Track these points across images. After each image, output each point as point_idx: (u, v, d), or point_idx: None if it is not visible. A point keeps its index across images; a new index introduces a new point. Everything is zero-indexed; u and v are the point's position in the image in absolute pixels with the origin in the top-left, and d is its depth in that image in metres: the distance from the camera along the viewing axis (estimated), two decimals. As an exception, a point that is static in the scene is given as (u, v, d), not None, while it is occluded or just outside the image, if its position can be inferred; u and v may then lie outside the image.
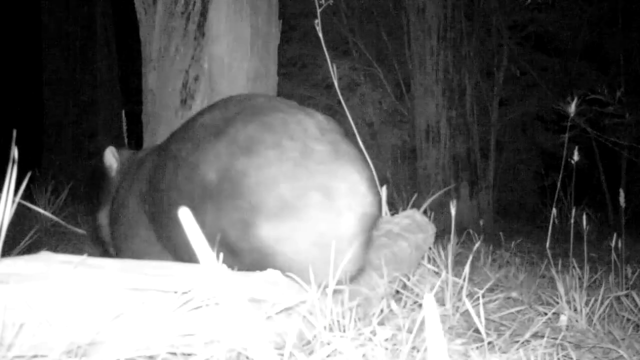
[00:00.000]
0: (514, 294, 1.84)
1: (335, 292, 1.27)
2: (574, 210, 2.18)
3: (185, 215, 0.42)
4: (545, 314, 1.62)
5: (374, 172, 2.19)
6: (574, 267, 1.83)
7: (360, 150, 1.54)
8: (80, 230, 2.42)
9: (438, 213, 2.43)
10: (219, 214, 1.37)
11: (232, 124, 1.45)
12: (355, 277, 1.38)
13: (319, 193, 1.33)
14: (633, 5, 5.82)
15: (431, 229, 1.90)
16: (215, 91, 2.58)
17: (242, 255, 1.34)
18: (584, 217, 2.05)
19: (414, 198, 2.27)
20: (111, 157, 1.91)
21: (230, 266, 1.33)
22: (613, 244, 2.00)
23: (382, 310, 1.37)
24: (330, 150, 1.39)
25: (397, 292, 1.58)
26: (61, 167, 5.56)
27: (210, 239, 1.38)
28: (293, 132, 1.39)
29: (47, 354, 0.95)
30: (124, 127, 2.77)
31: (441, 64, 5.16)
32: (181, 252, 1.47)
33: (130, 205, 1.71)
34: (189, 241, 0.45)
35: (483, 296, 1.46)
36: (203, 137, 1.49)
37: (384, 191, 2.02)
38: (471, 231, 2.74)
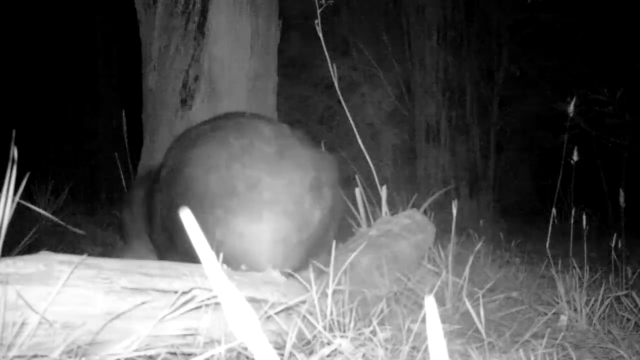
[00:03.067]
0: (514, 294, 1.84)
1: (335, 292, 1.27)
2: (573, 210, 2.18)
3: (186, 216, 0.42)
4: (545, 314, 1.62)
5: (374, 173, 2.20)
6: (574, 267, 1.83)
7: (326, 157, 1.51)
8: (80, 231, 2.42)
9: (438, 213, 2.43)
10: (162, 204, 1.41)
11: (197, 126, 1.52)
12: (288, 276, 1.34)
13: (245, 184, 1.31)
14: (633, 5, 5.82)
15: (431, 229, 1.90)
16: (215, 91, 2.58)
17: (177, 243, 1.34)
18: (584, 217, 2.05)
19: (414, 198, 2.27)
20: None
21: (168, 255, 1.35)
22: (613, 244, 2.00)
23: (382, 311, 1.37)
24: (275, 151, 1.38)
25: (397, 292, 1.58)
26: (61, 167, 5.56)
27: (159, 228, 1.41)
28: (244, 132, 1.39)
29: (47, 354, 0.95)
30: (124, 127, 2.77)
31: (441, 64, 5.16)
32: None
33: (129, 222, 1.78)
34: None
35: (483, 296, 1.46)
36: (175, 142, 1.57)
37: (384, 191, 2.02)
38: (471, 231, 2.74)
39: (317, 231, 1.42)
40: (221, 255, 1.30)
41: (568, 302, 1.66)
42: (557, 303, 1.68)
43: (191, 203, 1.32)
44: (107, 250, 2.53)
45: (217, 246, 1.31)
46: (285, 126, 1.50)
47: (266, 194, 1.32)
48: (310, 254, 1.41)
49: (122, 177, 2.82)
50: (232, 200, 1.31)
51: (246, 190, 1.31)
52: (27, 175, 1.15)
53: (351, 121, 2.29)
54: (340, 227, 2.21)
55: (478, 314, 1.27)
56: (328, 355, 1.11)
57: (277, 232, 1.33)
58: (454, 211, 1.84)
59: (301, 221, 1.36)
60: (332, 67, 2.21)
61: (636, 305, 1.69)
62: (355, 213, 2.02)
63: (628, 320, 1.67)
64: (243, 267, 1.31)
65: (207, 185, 1.32)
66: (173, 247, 1.38)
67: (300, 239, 1.37)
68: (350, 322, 1.23)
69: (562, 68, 6.24)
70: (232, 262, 1.32)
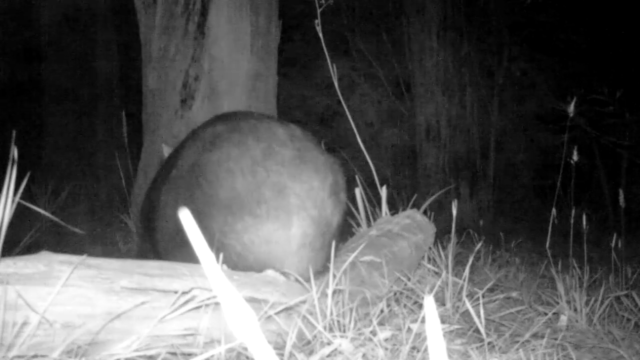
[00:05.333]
0: (514, 294, 1.84)
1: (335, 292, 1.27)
2: (573, 210, 2.18)
3: (185, 216, 0.42)
4: (545, 314, 1.62)
5: (374, 173, 2.20)
6: (574, 267, 1.83)
7: (336, 161, 1.53)
8: (80, 231, 2.42)
9: (438, 213, 2.43)
10: (177, 205, 1.41)
11: (205, 127, 1.52)
12: (308, 280, 1.35)
13: (272, 191, 1.34)
14: (633, 6, 5.82)
15: (431, 229, 1.90)
16: (215, 91, 2.58)
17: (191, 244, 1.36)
18: (584, 217, 2.04)
19: (414, 198, 2.27)
20: None
21: (173, 255, 1.36)
22: (613, 244, 2.00)
23: (382, 311, 1.37)
24: (295, 155, 1.40)
25: (397, 292, 1.58)
26: (61, 167, 5.56)
27: (171, 233, 1.42)
28: (260, 135, 1.42)
29: (47, 354, 0.95)
30: (124, 127, 2.77)
31: (441, 63, 5.16)
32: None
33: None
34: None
35: (483, 296, 1.46)
36: (186, 142, 1.58)
37: (384, 191, 2.02)
38: (471, 231, 2.74)
39: (335, 233, 1.44)
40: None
41: (568, 302, 1.66)
42: (557, 303, 1.68)
43: (216, 207, 1.33)
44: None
45: (243, 251, 1.32)
46: (294, 126, 1.52)
47: (293, 200, 1.35)
48: (329, 257, 1.43)
49: (122, 177, 2.82)
50: (261, 207, 1.33)
51: (273, 196, 1.34)
52: (27, 175, 1.15)
53: (351, 121, 2.29)
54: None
55: (478, 314, 1.27)
56: (328, 355, 1.12)
57: (304, 238, 1.36)
58: (454, 211, 1.84)
59: (324, 226, 1.40)
60: (332, 67, 2.21)
61: (636, 305, 1.69)
62: (355, 213, 2.02)
63: (628, 320, 1.67)
64: (269, 271, 1.32)
65: (234, 190, 1.33)
66: (187, 247, 1.38)
67: (323, 243, 1.40)
68: (350, 322, 1.23)
69: (562, 68, 6.24)
70: (258, 266, 1.33)
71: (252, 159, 1.36)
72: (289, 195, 1.34)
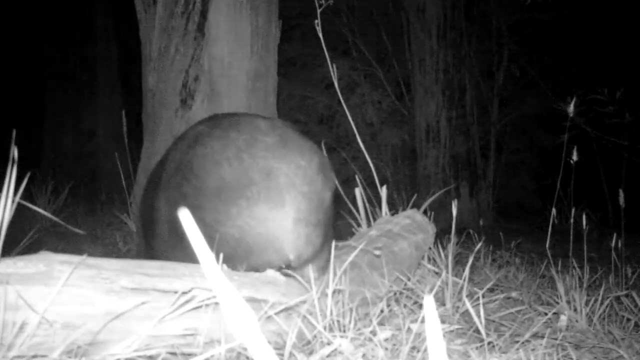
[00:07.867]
0: (514, 294, 1.84)
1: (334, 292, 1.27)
2: (573, 210, 2.18)
3: (184, 216, 0.42)
4: (546, 314, 1.62)
5: (374, 173, 2.20)
6: (574, 267, 1.83)
7: (320, 146, 1.57)
8: (80, 231, 2.42)
9: (438, 213, 2.43)
10: (169, 205, 1.43)
11: (188, 130, 1.57)
12: (309, 260, 1.37)
13: (260, 174, 1.36)
14: (632, 5, 5.82)
15: (431, 229, 1.90)
16: (215, 91, 2.58)
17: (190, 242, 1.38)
18: (584, 217, 2.04)
19: (414, 198, 2.27)
20: None
21: (174, 256, 1.38)
22: (613, 244, 2.00)
23: (382, 311, 1.37)
24: (277, 140, 1.43)
25: (397, 292, 1.58)
26: (61, 167, 5.56)
27: (166, 236, 1.43)
28: (241, 127, 1.45)
29: (47, 354, 0.95)
30: (124, 127, 2.77)
31: (441, 64, 5.16)
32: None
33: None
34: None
35: (483, 296, 1.46)
36: (171, 146, 1.63)
37: (384, 191, 2.02)
38: (471, 231, 2.74)
39: (329, 211, 1.46)
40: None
41: (568, 302, 1.66)
42: (557, 303, 1.68)
43: (207, 198, 1.34)
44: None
45: (241, 235, 1.33)
46: (276, 119, 1.54)
47: (282, 180, 1.36)
48: (325, 235, 1.44)
49: (122, 177, 2.82)
50: (252, 189, 1.34)
51: (262, 179, 1.36)
52: (27, 175, 1.15)
53: (351, 121, 2.29)
54: (340, 227, 2.21)
55: (478, 314, 1.27)
56: (328, 355, 1.12)
57: (298, 213, 1.37)
58: (454, 211, 1.84)
59: (317, 202, 1.41)
60: (332, 67, 2.21)
61: (636, 305, 1.69)
62: (355, 213, 2.02)
63: (628, 320, 1.67)
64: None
65: (223, 179, 1.35)
66: (182, 248, 1.39)
67: (318, 219, 1.41)
68: (350, 322, 1.23)
69: (562, 68, 6.24)
70: (257, 249, 1.34)
71: (236, 148, 1.38)
72: (278, 176, 1.36)
